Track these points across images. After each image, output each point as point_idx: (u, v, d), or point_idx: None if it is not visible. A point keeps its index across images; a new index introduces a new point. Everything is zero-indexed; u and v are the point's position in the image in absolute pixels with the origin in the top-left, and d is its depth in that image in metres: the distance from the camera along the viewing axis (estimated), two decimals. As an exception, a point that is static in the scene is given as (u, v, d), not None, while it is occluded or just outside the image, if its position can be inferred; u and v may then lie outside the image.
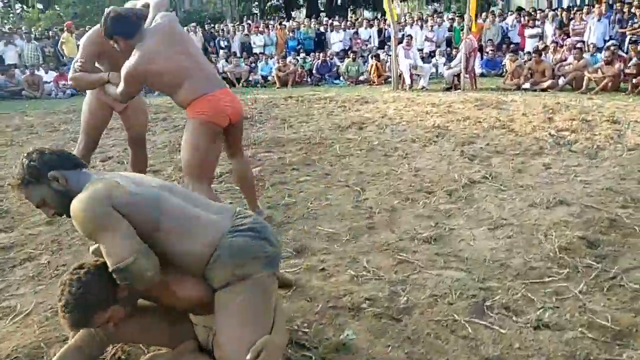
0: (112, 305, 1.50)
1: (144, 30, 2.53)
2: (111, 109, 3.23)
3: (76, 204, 1.46)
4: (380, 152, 4.69)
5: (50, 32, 13.14)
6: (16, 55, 12.13)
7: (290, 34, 13.81)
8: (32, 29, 14.60)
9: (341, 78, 11.86)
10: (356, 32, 13.65)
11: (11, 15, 24.84)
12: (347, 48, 13.08)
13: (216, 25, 14.51)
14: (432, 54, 12.08)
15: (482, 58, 11.56)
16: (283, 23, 15.07)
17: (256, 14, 27.46)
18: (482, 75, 11.10)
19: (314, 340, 1.87)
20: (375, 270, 2.38)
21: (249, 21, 17.13)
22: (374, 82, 11.06)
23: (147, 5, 2.64)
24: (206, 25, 14.34)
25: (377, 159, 4.46)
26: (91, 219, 1.44)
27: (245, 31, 13.86)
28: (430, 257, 2.50)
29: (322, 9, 28.08)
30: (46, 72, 11.45)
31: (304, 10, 28.51)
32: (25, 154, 1.63)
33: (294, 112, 7.37)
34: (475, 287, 2.16)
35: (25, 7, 24.67)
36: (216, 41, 13.64)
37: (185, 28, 13.92)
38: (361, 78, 11.52)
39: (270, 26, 14.34)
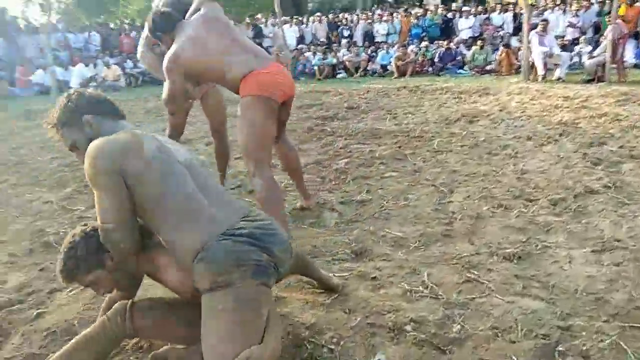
0: (97, 270, 1.53)
1: (184, 22, 2.50)
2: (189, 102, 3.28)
3: (91, 146, 1.44)
4: (484, 149, 4.18)
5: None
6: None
7: (415, 21, 13.24)
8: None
9: (466, 67, 11.07)
10: (488, 18, 12.61)
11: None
12: (476, 35, 12.16)
13: (340, 15, 14.48)
14: (575, 42, 10.67)
15: (638, 47, 9.90)
16: (408, 10, 14.52)
17: (389, 2, 26.92)
18: (635, 66, 9.50)
19: (338, 359, 1.65)
20: (434, 286, 2.05)
21: (378, 10, 16.86)
22: (502, 72, 10.11)
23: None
24: (330, 15, 14.38)
25: (479, 157, 3.97)
26: (92, 169, 1.41)
27: (369, 19, 13.62)
28: (506, 278, 2.09)
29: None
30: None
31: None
32: (65, 95, 1.63)
33: (403, 102, 7.00)
34: (552, 325, 1.73)
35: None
36: (339, 30, 13.62)
37: (311, 18, 14.18)
38: (488, 67, 10.62)
39: (394, 14, 13.90)
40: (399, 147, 4.43)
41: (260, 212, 1.61)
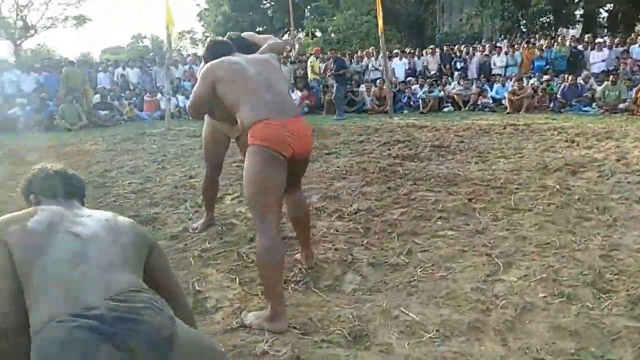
0: None
1: (236, 53, 2.44)
2: (227, 136, 3.25)
3: None
4: (575, 211, 3.43)
5: (304, 57, 14.69)
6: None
7: (539, 53, 12.08)
8: (291, 53, 16.66)
9: (594, 105, 9.74)
10: (627, 50, 11.04)
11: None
12: (610, 69, 10.69)
13: (455, 47, 13.82)
14: None
15: None
16: (531, 41, 13.34)
17: (523, 31, 25.22)
18: None
19: None
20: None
21: (505, 41, 15.85)
22: (637, 112, 8.67)
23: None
24: (444, 47, 13.79)
25: (564, 220, 3.26)
26: None
27: (486, 51, 12.78)
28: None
29: (604, 25, 23.88)
30: (292, 91, 12.83)
31: (578, 27, 24.90)
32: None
33: (502, 144, 6.25)
34: None
35: (303, 34, 28.66)
36: (452, 63, 12.98)
37: (424, 50, 13.73)
38: (621, 106, 9.21)
39: (515, 45, 12.86)
40: (471, 199, 3.85)
41: (149, 294, 1.32)
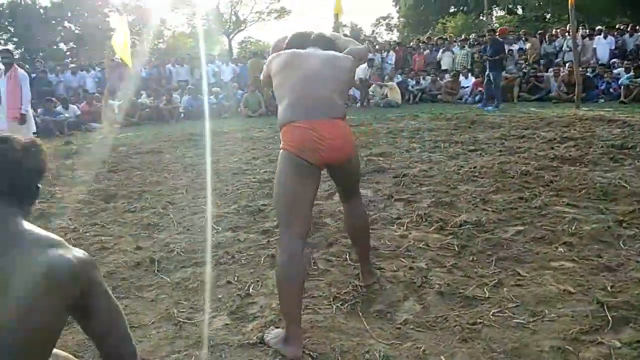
0: None
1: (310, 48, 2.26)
2: None
3: None
4: None
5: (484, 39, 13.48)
6: (450, 61, 13.20)
7: None
8: (471, 36, 15.41)
9: None
10: None
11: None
12: None
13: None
14: None
15: None
16: None
17: None
18: None
19: None
20: None
21: None
22: None
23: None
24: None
25: None
26: None
27: None
28: None
29: None
30: (466, 77, 11.92)
31: None
32: None
33: None
34: None
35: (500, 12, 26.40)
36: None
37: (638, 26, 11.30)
38: None
39: None
40: (623, 221, 2.98)
41: None
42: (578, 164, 4.52)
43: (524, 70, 11.22)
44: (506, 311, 2.10)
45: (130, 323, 2.13)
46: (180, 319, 2.18)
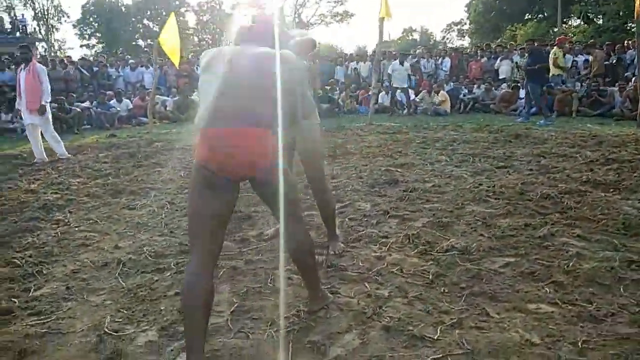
0: None
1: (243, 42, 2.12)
2: None
3: None
4: None
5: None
6: (509, 69, 12.55)
7: None
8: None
9: None
10: None
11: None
12: None
13: None
14: None
15: None
16: None
17: None
18: None
19: None
20: None
21: None
22: None
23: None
24: None
25: None
26: None
27: None
28: None
29: None
30: (523, 88, 11.24)
31: None
32: None
33: None
34: None
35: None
36: None
37: None
38: None
39: None
40: (632, 262, 2.58)
41: None
42: (611, 190, 4.04)
43: (584, 83, 10.38)
44: (448, 358, 1.84)
45: (59, 329, 2.14)
46: (106, 330, 2.11)
